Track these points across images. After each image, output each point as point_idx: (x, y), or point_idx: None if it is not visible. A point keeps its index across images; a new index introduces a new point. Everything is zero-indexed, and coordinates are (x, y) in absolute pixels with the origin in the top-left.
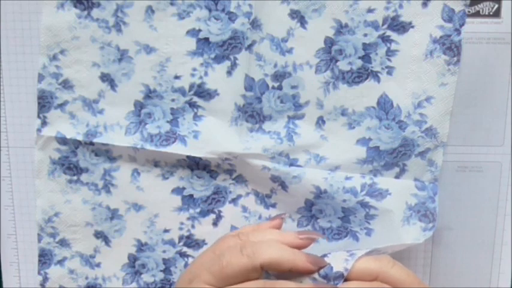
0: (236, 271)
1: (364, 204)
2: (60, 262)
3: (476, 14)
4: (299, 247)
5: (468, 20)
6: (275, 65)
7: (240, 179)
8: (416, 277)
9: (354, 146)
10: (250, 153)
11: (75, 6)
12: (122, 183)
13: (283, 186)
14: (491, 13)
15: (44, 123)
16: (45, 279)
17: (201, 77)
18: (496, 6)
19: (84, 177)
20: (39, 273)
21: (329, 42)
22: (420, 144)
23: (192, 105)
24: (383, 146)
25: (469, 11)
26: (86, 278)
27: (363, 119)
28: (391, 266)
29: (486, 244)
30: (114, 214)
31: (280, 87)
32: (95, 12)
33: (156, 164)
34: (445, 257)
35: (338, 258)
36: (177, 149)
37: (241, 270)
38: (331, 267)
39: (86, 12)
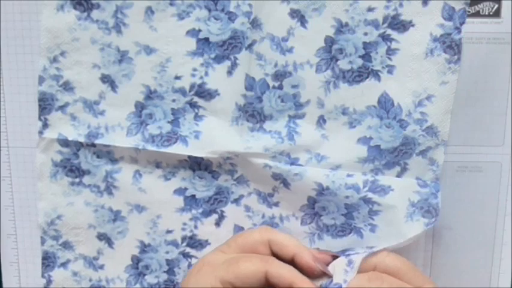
0: (246, 241)
1: (367, 200)
2: (64, 265)
3: (476, 14)
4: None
5: (468, 20)
6: (275, 65)
7: (241, 179)
8: (411, 264)
9: (355, 145)
10: (252, 152)
11: (75, 8)
12: (124, 184)
13: (285, 183)
14: (491, 13)
15: (45, 125)
16: (49, 281)
17: (201, 77)
18: (496, 6)
19: (86, 179)
20: (42, 276)
21: (329, 42)
22: (421, 143)
23: (192, 105)
24: (384, 145)
25: (469, 11)
26: (90, 280)
27: (364, 118)
28: (386, 255)
29: (486, 244)
30: (116, 216)
31: (280, 87)
32: (95, 14)
33: (157, 165)
34: (445, 256)
35: (339, 268)
36: (178, 149)
37: (250, 240)
38: (331, 280)
39: (85, 14)
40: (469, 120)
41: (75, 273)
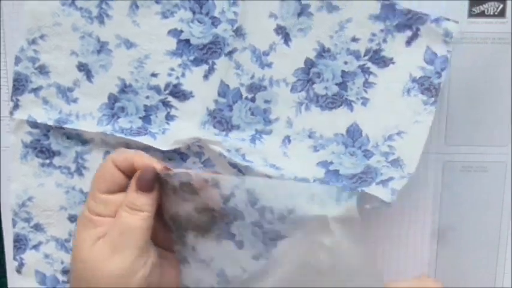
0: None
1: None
2: (36, 247)
3: (481, 14)
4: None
5: (473, 19)
6: (252, 76)
7: (208, 163)
8: None
9: (314, 166)
10: (209, 139)
11: None
12: (94, 166)
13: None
14: (496, 13)
15: (16, 106)
16: (21, 264)
17: (177, 78)
18: (501, 6)
19: (56, 160)
20: (14, 258)
21: (309, 64)
22: (384, 173)
23: (165, 104)
24: (343, 171)
25: (473, 11)
26: (62, 262)
27: (329, 144)
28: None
29: (491, 244)
30: (87, 197)
31: (253, 99)
32: (79, 1)
33: (127, 147)
34: (450, 256)
35: None
36: (145, 140)
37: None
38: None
39: (70, 0)
40: (474, 120)
41: (46, 256)
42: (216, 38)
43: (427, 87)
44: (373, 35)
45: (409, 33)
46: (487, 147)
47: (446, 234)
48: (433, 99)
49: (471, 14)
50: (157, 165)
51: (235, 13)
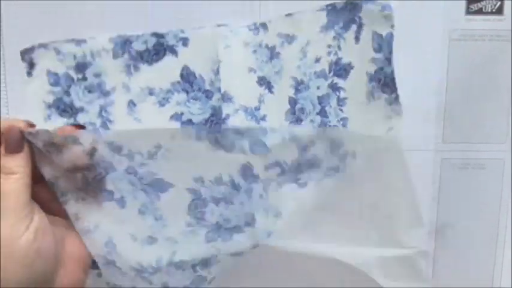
0: None
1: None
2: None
3: (479, 12)
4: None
5: (471, 17)
6: None
7: None
8: None
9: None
10: None
11: (61, 115)
12: None
13: None
14: (493, 10)
15: None
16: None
17: None
18: (499, 3)
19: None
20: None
21: (293, 103)
22: None
23: None
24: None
25: (471, 8)
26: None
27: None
28: None
29: (489, 241)
30: None
31: None
32: (80, 117)
33: None
34: (447, 254)
35: None
36: None
37: None
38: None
39: (72, 119)
40: (472, 117)
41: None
42: (214, 110)
43: (384, 81)
44: (329, 46)
45: (354, 27)
46: (485, 144)
47: (444, 232)
48: (394, 95)
49: (469, 12)
50: (21, 123)
51: (219, 80)
